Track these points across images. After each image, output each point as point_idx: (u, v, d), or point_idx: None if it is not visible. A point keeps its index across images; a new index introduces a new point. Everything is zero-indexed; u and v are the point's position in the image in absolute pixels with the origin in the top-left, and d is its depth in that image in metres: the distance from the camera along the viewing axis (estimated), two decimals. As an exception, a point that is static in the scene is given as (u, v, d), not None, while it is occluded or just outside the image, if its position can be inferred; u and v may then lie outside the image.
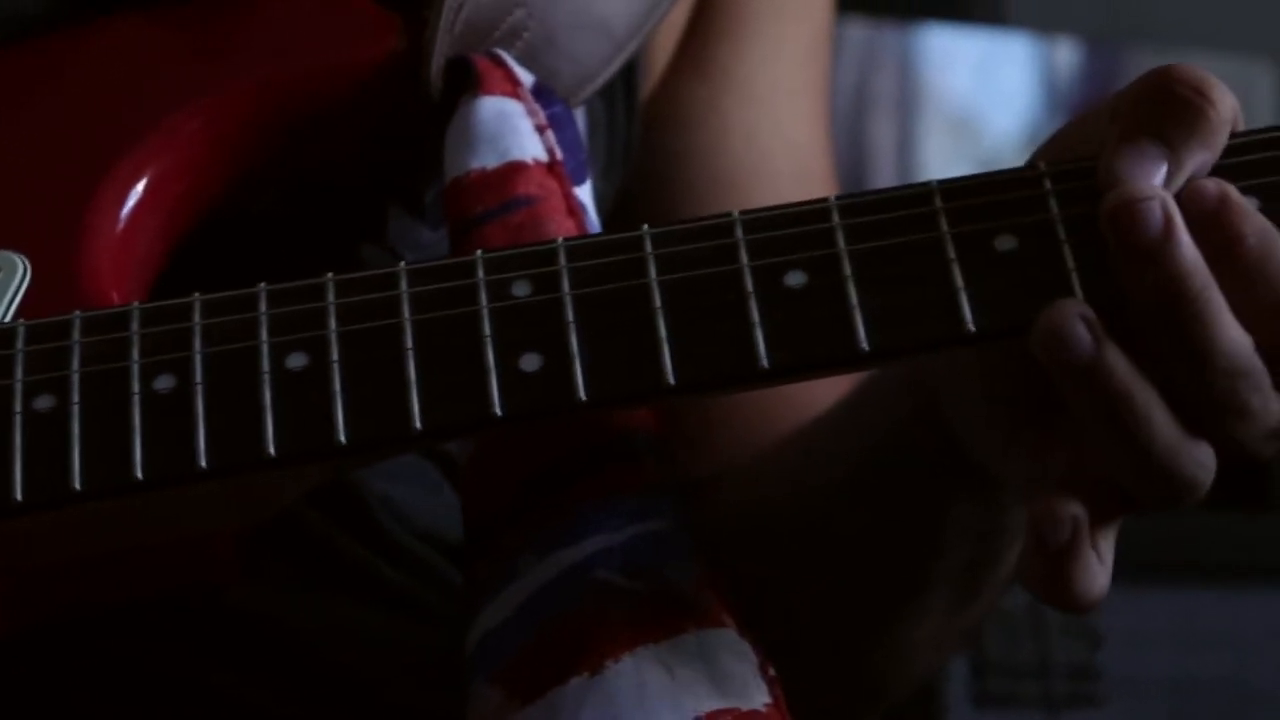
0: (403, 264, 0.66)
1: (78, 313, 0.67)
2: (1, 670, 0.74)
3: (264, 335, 0.66)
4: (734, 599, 0.68)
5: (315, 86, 0.74)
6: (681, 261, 0.65)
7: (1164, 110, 0.63)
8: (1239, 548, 1.64)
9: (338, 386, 0.65)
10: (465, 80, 0.74)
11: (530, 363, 0.64)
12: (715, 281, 0.64)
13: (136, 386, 0.65)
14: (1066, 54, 2.10)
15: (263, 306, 0.66)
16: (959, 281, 0.64)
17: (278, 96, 0.74)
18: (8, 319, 0.69)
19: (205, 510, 0.68)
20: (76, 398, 0.65)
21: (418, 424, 0.64)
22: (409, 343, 0.65)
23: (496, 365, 0.64)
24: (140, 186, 0.73)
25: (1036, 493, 0.64)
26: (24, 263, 0.71)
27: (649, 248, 0.65)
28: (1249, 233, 0.62)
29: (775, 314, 0.64)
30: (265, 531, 0.71)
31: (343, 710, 0.78)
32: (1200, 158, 0.63)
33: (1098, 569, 0.63)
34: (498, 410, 0.64)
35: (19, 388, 0.65)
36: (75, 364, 0.66)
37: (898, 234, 0.64)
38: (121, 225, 0.72)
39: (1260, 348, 0.62)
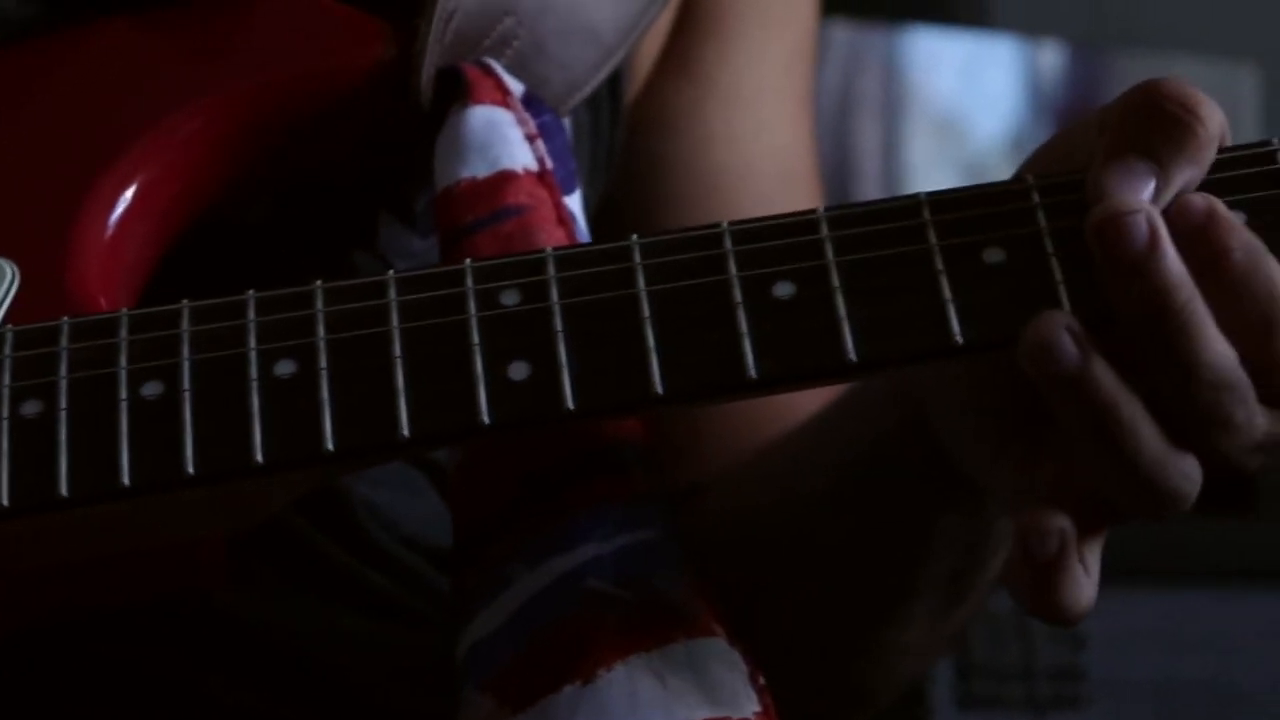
0: (391, 272, 0.67)
1: (66, 318, 0.67)
2: (-9, 675, 0.74)
3: (252, 342, 0.66)
4: (723, 607, 0.69)
5: (305, 94, 0.74)
6: (670, 271, 0.65)
7: (1152, 126, 0.63)
8: (1223, 550, 1.64)
9: (326, 394, 0.65)
10: (455, 89, 0.74)
11: (518, 371, 0.64)
12: (704, 292, 0.65)
13: (124, 393, 0.65)
14: (1051, 57, 2.10)
15: (251, 313, 0.66)
16: (947, 293, 0.64)
17: (267, 103, 0.74)
18: (-4, 325, 0.69)
19: (193, 517, 0.68)
20: (64, 404, 0.65)
21: (405, 432, 0.64)
22: (397, 351, 0.65)
23: (485, 374, 0.64)
24: (130, 192, 0.73)
25: (1023, 505, 0.64)
26: (12, 268, 0.71)
27: (638, 258, 0.65)
28: (1235, 246, 0.62)
29: (764, 325, 0.64)
30: (251, 537, 0.71)
31: (330, 715, 0.78)
32: (1188, 174, 0.63)
33: (1084, 581, 0.63)
34: (486, 419, 0.64)
35: (6, 393, 0.65)
36: (63, 370, 0.66)
37: (886, 246, 0.65)
38: (111, 231, 0.72)
39: (1245, 361, 0.62)
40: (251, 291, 0.67)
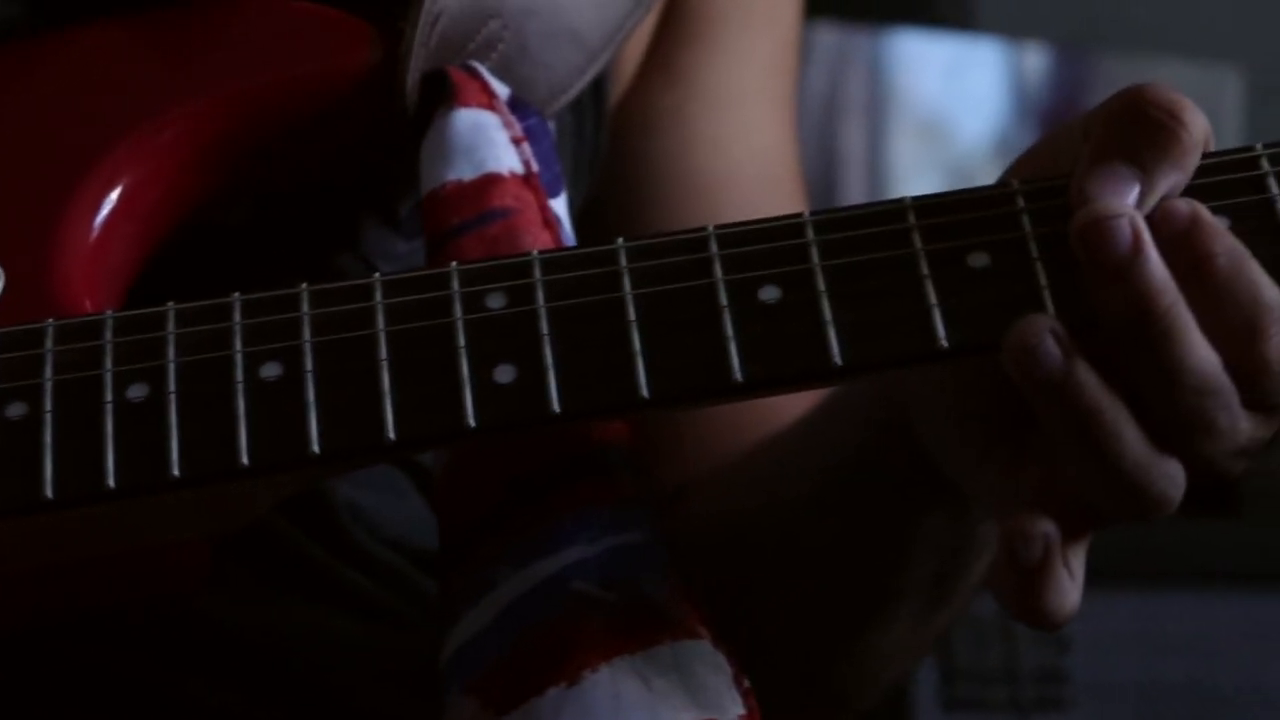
0: (377, 275, 0.67)
1: (51, 321, 0.67)
2: (-26, 678, 0.74)
3: (238, 345, 0.66)
4: (708, 610, 0.69)
5: (290, 97, 0.74)
6: (656, 275, 0.65)
7: (1137, 132, 0.64)
8: (1205, 552, 1.65)
9: (311, 396, 0.65)
10: (441, 92, 0.74)
11: (504, 374, 0.64)
12: (690, 295, 0.65)
13: (109, 395, 0.65)
14: (1035, 59, 2.10)
15: (237, 316, 0.66)
16: (932, 298, 0.64)
17: (253, 106, 0.74)
18: (-20, 327, 0.69)
19: (178, 519, 0.68)
20: (49, 406, 0.65)
21: (391, 434, 0.64)
22: (383, 353, 0.65)
23: (471, 377, 0.64)
24: (115, 195, 0.73)
25: (1008, 509, 0.64)
26: (-4, 270, 0.71)
27: (624, 261, 0.65)
28: (1219, 252, 0.63)
29: (749, 328, 0.64)
30: (235, 539, 0.71)
31: (314, 717, 0.78)
32: (1172, 179, 0.64)
33: (1068, 586, 0.63)
34: (471, 421, 0.64)
35: (-9, 395, 0.65)
36: (48, 372, 0.66)
37: (871, 250, 0.65)
38: (96, 233, 0.72)
39: (1229, 366, 0.63)
40: (237, 294, 0.67)
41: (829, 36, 2.02)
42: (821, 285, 0.64)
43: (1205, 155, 0.65)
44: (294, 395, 0.65)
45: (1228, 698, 1.62)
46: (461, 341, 0.65)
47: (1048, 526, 0.63)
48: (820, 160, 2.00)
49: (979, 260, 0.64)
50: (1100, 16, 2.19)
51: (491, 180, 0.73)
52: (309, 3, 0.75)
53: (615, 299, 0.65)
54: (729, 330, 0.64)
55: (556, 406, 0.64)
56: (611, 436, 0.71)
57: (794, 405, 0.79)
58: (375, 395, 0.64)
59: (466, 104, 0.74)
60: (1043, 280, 0.64)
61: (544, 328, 0.65)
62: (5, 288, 0.70)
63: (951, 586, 0.77)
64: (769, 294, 0.64)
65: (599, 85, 0.84)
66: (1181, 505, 0.65)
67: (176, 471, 0.64)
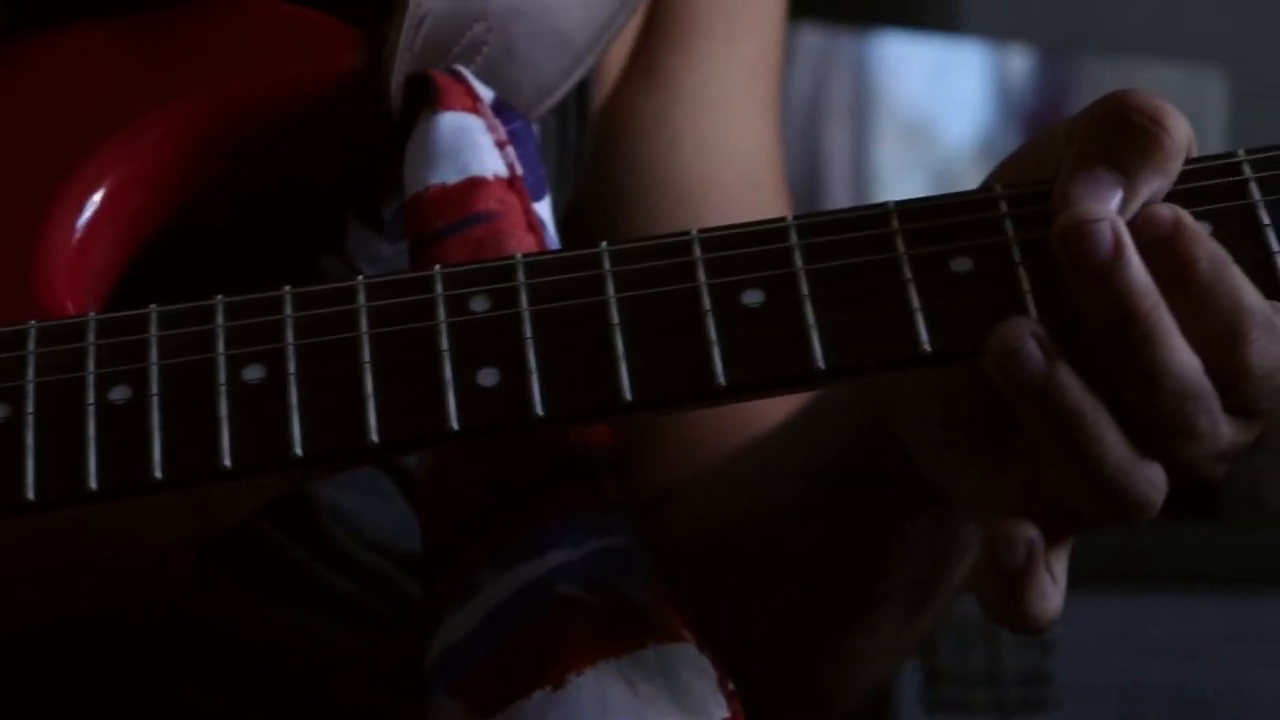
0: (360, 278, 0.66)
1: (33, 323, 0.67)
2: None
3: (221, 347, 0.66)
4: (692, 614, 0.69)
5: (274, 100, 0.74)
6: (640, 279, 0.65)
7: (1120, 137, 0.64)
8: (1188, 555, 1.65)
9: (294, 399, 0.65)
10: (425, 96, 0.74)
11: (488, 378, 0.64)
12: (673, 299, 0.65)
13: (92, 397, 0.65)
14: (1020, 62, 2.11)
15: (219, 319, 0.66)
16: (915, 302, 0.64)
17: (237, 109, 0.74)
18: (-38, 330, 0.69)
19: (161, 522, 0.67)
20: (31, 408, 0.65)
21: (374, 437, 0.64)
22: (366, 356, 0.65)
23: (454, 380, 0.64)
24: (98, 197, 0.73)
25: (991, 513, 0.64)
26: (-21, 273, 0.70)
27: (607, 264, 0.65)
28: (1201, 257, 0.63)
29: (733, 332, 0.64)
30: (219, 542, 0.71)
31: (299, 719, 0.78)
32: (1155, 185, 0.64)
33: (1051, 590, 0.63)
34: (454, 425, 0.64)
35: (-27, 398, 0.65)
36: (30, 374, 0.66)
37: (855, 254, 0.65)
38: (78, 235, 0.72)
39: (1210, 371, 0.63)
40: (220, 296, 0.67)
41: (813, 38, 2.02)
42: (805, 289, 0.64)
43: (1188, 161, 0.65)
44: (277, 398, 0.65)
45: (1210, 700, 1.62)
46: (445, 345, 0.65)
47: (1030, 530, 0.63)
48: (805, 162, 2.00)
49: (962, 265, 0.64)
50: (1085, 19, 2.19)
51: (475, 184, 0.73)
52: (293, 5, 0.75)
53: (598, 302, 0.65)
54: (712, 334, 0.64)
55: (540, 410, 0.64)
56: (595, 440, 0.71)
57: (777, 408, 0.79)
58: (358, 398, 0.64)
59: (450, 107, 0.74)
60: (1026, 285, 0.64)
61: (527, 331, 0.65)
62: (-12, 290, 0.70)
63: (934, 590, 0.77)
64: (752, 298, 0.64)
65: (583, 88, 0.84)
66: (1163, 508, 0.65)
67: (159, 474, 0.64)
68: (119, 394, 0.65)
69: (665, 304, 0.65)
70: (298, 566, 0.79)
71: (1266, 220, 0.64)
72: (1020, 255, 0.64)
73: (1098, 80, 2.07)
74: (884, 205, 0.66)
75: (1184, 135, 0.64)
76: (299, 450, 0.64)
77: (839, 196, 1.99)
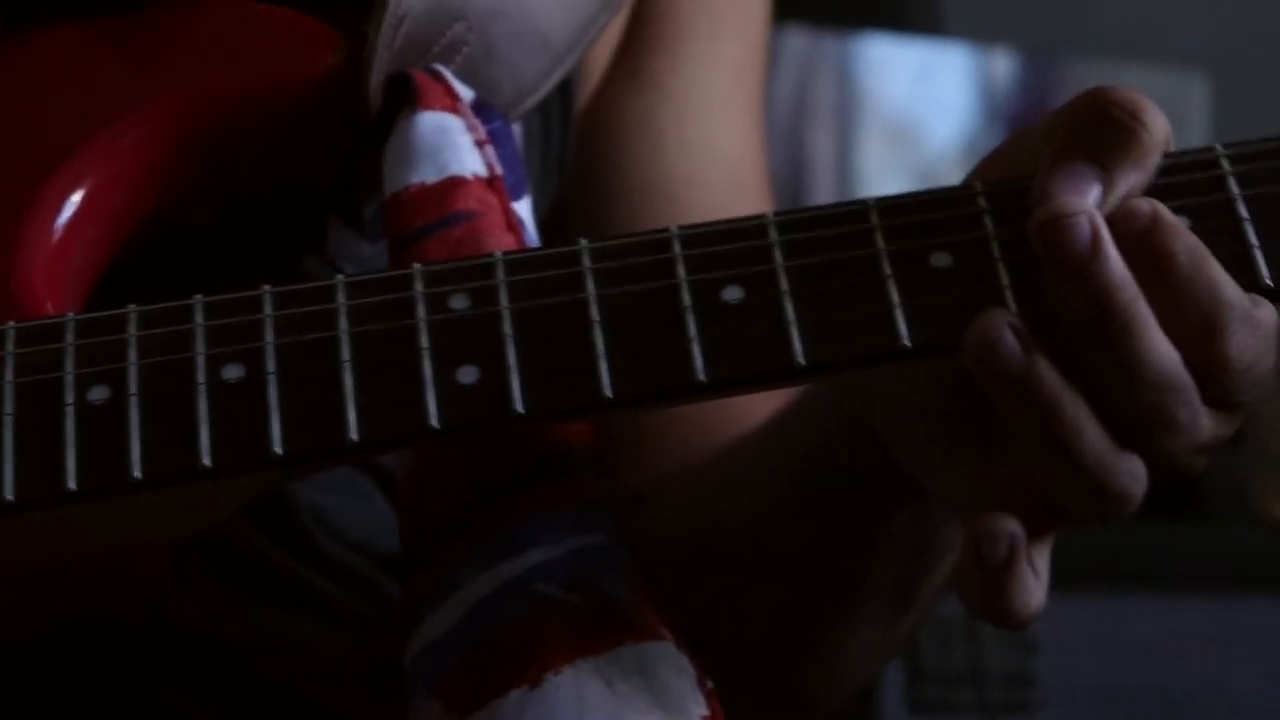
0: (340, 277, 0.66)
1: (12, 324, 0.67)
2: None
3: (200, 347, 0.65)
4: (675, 613, 0.69)
5: (253, 101, 0.74)
6: (619, 276, 0.65)
7: (1098, 132, 0.64)
8: (1170, 556, 1.65)
9: (274, 398, 0.64)
10: (404, 95, 0.74)
11: (468, 375, 0.64)
12: (653, 296, 0.65)
13: (70, 397, 0.65)
14: (1003, 64, 2.11)
15: (199, 318, 0.66)
16: (895, 298, 0.64)
17: (216, 110, 0.74)
18: (-59, 330, 0.69)
19: (140, 522, 0.67)
20: (9, 409, 0.65)
21: (354, 436, 0.64)
22: (346, 355, 0.65)
23: (434, 378, 0.64)
24: (77, 197, 0.72)
25: (973, 509, 0.64)
26: (-43, 273, 0.70)
27: (587, 262, 0.65)
28: (1179, 250, 0.63)
29: (713, 329, 0.64)
30: (198, 544, 0.71)
31: (278, 720, 0.77)
32: (1133, 179, 0.64)
33: (1034, 585, 0.63)
34: (435, 423, 0.64)
35: (-48, 399, 0.65)
36: (8, 375, 0.66)
37: (834, 250, 0.65)
38: (58, 235, 0.72)
39: (1189, 364, 0.63)
40: (199, 296, 0.66)
41: (798, 41, 2.02)
42: (785, 286, 0.64)
43: (1166, 155, 0.65)
44: (256, 397, 0.64)
45: (1193, 700, 1.62)
46: (425, 343, 0.65)
47: (1012, 525, 0.63)
48: (789, 164, 2.01)
49: (941, 260, 0.64)
50: (1068, 22, 2.19)
51: (455, 183, 0.73)
52: (273, 6, 0.75)
53: (578, 300, 0.65)
54: (692, 331, 0.64)
55: (520, 407, 0.64)
56: (574, 438, 0.71)
57: (760, 406, 0.79)
58: (338, 397, 0.64)
59: (430, 107, 0.74)
60: (1005, 280, 0.64)
61: (507, 329, 0.65)
62: (-34, 290, 0.70)
63: (916, 588, 0.77)
64: (732, 294, 0.64)
65: (565, 89, 0.84)
66: (1146, 507, 0.65)
67: (138, 473, 0.64)
68: (98, 394, 0.65)
69: (645, 301, 0.65)
70: (277, 567, 0.79)
71: (1244, 214, 0.64)
72: (999, 251, 0.65)
73: (1081, 83, 2.07)
74: (863, 201, 0.66)
75: (1162, 130, 0.64)
76: (278, 449, 0.64)
77: (823, 198, 1.99)
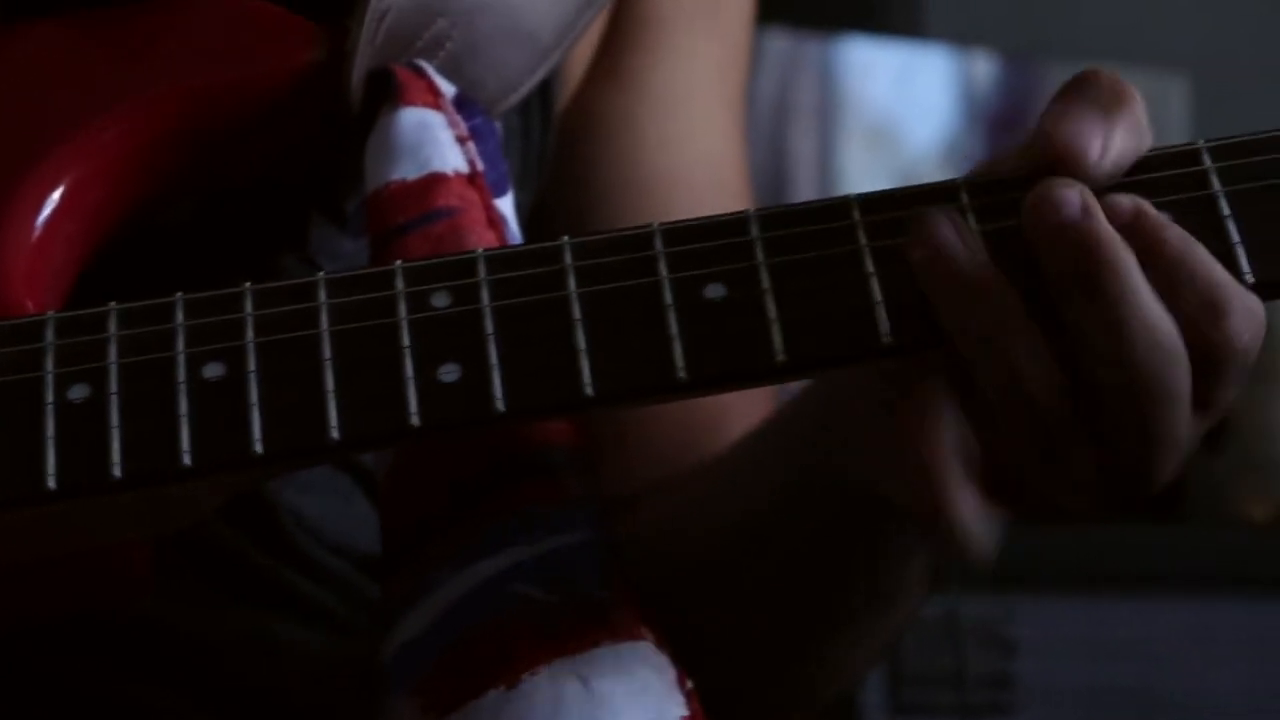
0: (321, 274, 0.66)
1: (-9, 321, 0.67)
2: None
3: (180, 345, 0.65)
4: (651, 610, 0.68)
5: (235, 96, 0.74)
6: (601, 273, 0.65)
7: (1092, 92, 0.64)
8: (1151, 557, 1.66)
9: (254, 397, 0.64)
10: (386, 91, 0.74)
11: (449, 374, 0.64)
12: (635, 294, 0.64)
13: (50, 396, 0.65)
14: (984, 66, 2.11)
15: (179, 316, 0.66)
16: (877, 295, 0.64)
17: (197, 105, 0.73)
18: (-80, 327, 0.68)
19: (121, 521, 0.67)
20: (-11, 407, 0.65)
21: (335, 434, 0.64)
22: (327, 353, 0.65)
23: (415, 376, 0.64)
24: (57, 194, 0.72)
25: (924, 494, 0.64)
26: (-63, 270, 0.70)
27: (569, 259, 0.65)
28: (1169, 237, 0.63)
29: (694, 326, 0.64)
30: (177, 544, 0.71)
31: (258, 721, 0.77)
32: (1131, 138, 0.64)
33: (984, 516, 0.62)
34: (416, 421, 0.64)
35: (-69, 397, 0.65)
36: (-11, 374, 0.65)
37: (816, 247, 0.65)
38: (38, 233, 0.72)
39: (1189, 346, 0.62)
40: (179, 294, 0.66)
41: (780, 42, 2.03)
42: (766, 283, 0.64)
43: (1148, 151, 0.65)
44: (237, 396, 0.64)
45: (1173, 702, 1.63)
46: (406, 341, 0.64)
47: (956, 440, 0.62)
48: (771, 165, 2.01)
49: None
50: (1048, 25, 2.20)
51: (436, 179, 0.73)
52: (254, 1, 0.74)
53: (560, 298, 0.65)
54: (674, 328, 0.64)
55: (501, 405, 0.64)
56: (555, 437, 0.70)
57: (737, 423, 0.78)
58: (319, 395, 0.64)
59: (411, 103, 0.73)
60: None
61: (489, 327, 0.64)
62: (-55, 288, 0.70)
63: (898, 599, 0.76)
64: (714, 292, 0.64)
65: (547, 87, 0.84)
66: (1130, 509, 0.65)
67: (118, 473, 0.64)
68: (78, 393, 0.65)
69: (627, 299, 0.64)
70: (257, 567, 0.79)
71: (1226, 211, 0.64)
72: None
73: (1060, 85, 2.07)
74: (845, 198, 0.66)
75: (1145, 113, 0.64)
76: (259, 448, 0.64)
77: (805, 198, 1.99)
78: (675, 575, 0.76)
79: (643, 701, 0.66)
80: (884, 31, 2.10)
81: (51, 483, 0.64)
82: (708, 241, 0.65)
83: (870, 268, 0.64)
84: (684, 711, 0.66)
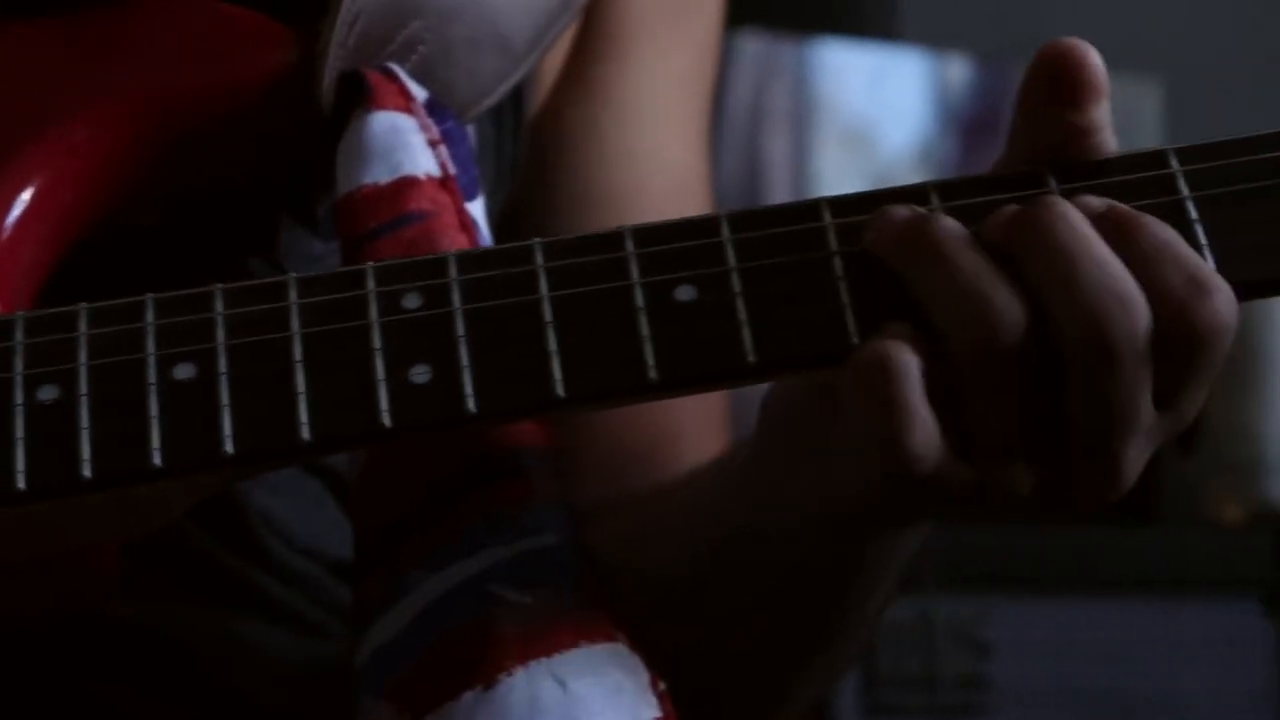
0: (292, 274, 0.66)
1: (-41, 323, 0.66)
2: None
3: (151, 346, 0.65)
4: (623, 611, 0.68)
5: (206, 99, 0.73)
6: (573, 275, 0.65)
7: (1054, 78, 0.64)
8: (1124, 559, 1.66)
9: (225, 397, 0.64)
10: (358, 94, 0.74)
11: (420, 375, 0.64)
12: (606, 296, 0.65)
13: (19, 397, 0.64)
14: (959, 70, 2.11)
15: (149, 317, 0.66)
16: (846, 298, 0.64)
17: (168, 108, 0.73)
18: (-112, 329, 0.68)
19: (91, 523, 0.67)
20: (-42, 409, 0.64)
21: (306, 436, 0.64)
22: (298, 354, 0.65)
23: (386, 377, 0.64)
24: (27, 194, 0.72)
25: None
26: (-95, 272, 0.70)
27: (540, 260, 0.65)
28: (1146, 220, 0.63)
29: (665, 328, 0.64)
30: (146, 546, 0.70)
31: (228, 723, 0.77)
32: (1103, 106, 0.64)
33: (928, 422, 0.61)
34: (387, 422, 0.64)
35: (-101, 398, 0.64)
36: (-43, 374, 0.65)
37: (787, 250, 0.65)
38: (7, 233, 0.72)
39: (1165, 329, 0.61)
40: (149, 294, 0.66)
41: (754, 45, 2.03)
42: (737, 286, 0.64)
43: (1117, 156, 0.65)
44: (207, 396, 0.64)
45: (1146, 704, 1.63)
46: (377, 342, 0.64)
47: (898, 351, 0.61)
48: (745, 168, 2.01)
49: None
50: (1022, 28, 2.20)
51: (408, 183, 0.73)
52: (225, 4, 0.74)
53: (532, 300, 0.65)
54: (645, 330, 0.64)
55: (473, 407, 0.64)
56: (527, 439, 0.70)
57: (705, 444, 0.78)
58: (290, 396, 0.64)
59: (383, 106, 0.73)
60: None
61: (460, 329, 0.64)
62: (-86, 289, 0.69)
63: (859, 616, 0.75)
64: (685, 294, 0.64)
65: (519, 94, 0.84)
66: (1102, 511, 0.64)
67: (88, 473, 0.63)
68: (47, 394, 0.64)
69: (598, 301, 0.64)
70: (226, 570, 0.79)
71: (1194, 215, 0.65)
72: None
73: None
74: (816, 201, 0.66)
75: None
76: (230, 449, 0.64)
77: (780, 202, 1.99)
78: (634, 591, 0.76)
79: (618, 702, 0.66)
80: (859, 34, 2.10)
81: (21, 483, 0.64)
82: (679, 243, 0.65)
83: (840, 271, 0.64)
84: (657, 713, 0.67)
